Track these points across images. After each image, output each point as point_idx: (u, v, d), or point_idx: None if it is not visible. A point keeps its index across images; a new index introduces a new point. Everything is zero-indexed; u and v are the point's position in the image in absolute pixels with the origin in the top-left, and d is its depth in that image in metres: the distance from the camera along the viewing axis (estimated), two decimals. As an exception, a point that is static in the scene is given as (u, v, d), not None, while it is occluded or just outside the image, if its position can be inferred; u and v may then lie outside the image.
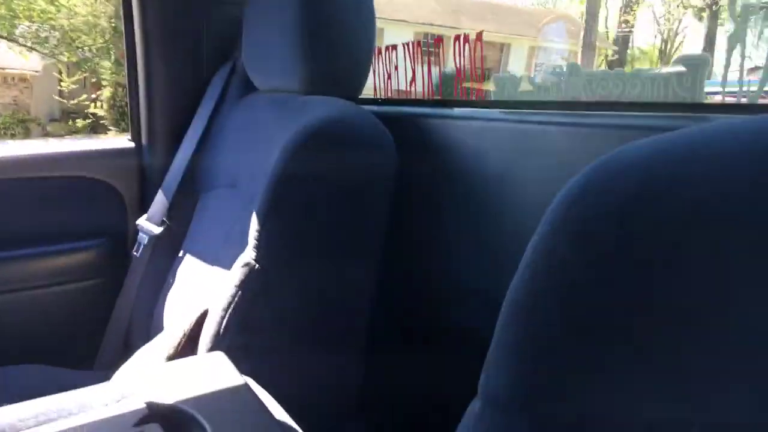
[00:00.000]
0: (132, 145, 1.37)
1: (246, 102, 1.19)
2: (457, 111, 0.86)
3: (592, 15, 9.48)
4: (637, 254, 0.38)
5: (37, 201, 1.29)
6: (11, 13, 9.33)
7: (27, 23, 9.76)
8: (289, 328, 0.85)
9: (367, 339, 0.90)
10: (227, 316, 0.83)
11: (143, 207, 1.31)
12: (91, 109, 10.33)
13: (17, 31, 9.86)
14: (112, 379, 0.89)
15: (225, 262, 1.02)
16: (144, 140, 1.35)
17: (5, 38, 9.80)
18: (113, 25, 10.20)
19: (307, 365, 0.85)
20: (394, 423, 1.02)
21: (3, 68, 12.08)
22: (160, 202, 1.25)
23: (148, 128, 1.34)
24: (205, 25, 1.30)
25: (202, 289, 1.05)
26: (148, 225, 1.24)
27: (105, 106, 10.23)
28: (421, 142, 0.91)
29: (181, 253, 1.20)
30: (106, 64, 10.38)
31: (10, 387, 1.08)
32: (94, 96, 10.56)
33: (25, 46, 10.11)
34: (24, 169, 1.29)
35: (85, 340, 1.28)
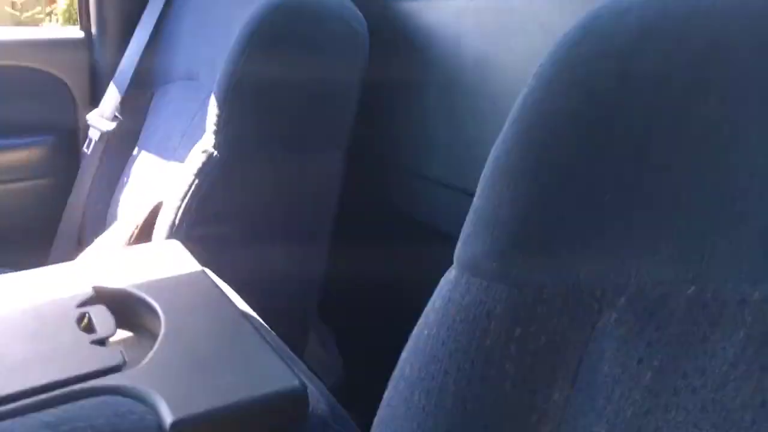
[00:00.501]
0: (82, 35, 1.26)
1: None
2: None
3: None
4: (645, 96, 0.34)
5: None
6: None
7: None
8: (250, 220, 0.80)
9: (332, 233, 0.86)
10: (183, 205, 0.77)
11: (94, 102, 1.22)
12: (46, 23, 9.77)
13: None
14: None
15: (180, 155, 0.96)
16: (94, 30, 1.25)
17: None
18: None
19: (267, 259, 0.81)
20: (356, 325, 0.99)
21: (-54, -27, 11.26)
22: (112, 96, 1.16)
23: (99, 17, 1.24)
24: None
25: (158, 183, 0.99)
26: (100, 121, 1.16)
27: (60, 19, 9.68)
28: (392, 27, 0.84)
29: (135, 151, 1.13)
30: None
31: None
32: (48, 9, 9.96)
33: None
34: None
35: (36, 242, 1.21)
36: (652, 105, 0.34)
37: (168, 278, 0.62)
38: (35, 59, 1.22)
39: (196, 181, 0.77)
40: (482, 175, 0.41)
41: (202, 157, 0.78)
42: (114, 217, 1.10)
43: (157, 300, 0.55)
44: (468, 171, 0.76)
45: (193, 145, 0.94)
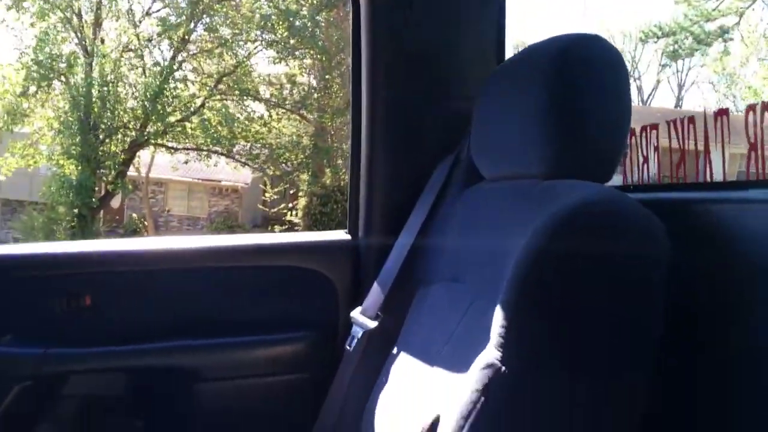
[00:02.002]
0: (349, 237, 1.36)
1: (471, 192, 1.12)
2: (753, 193, 0.70)
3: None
4: None
5: (255, 289, 1.31)
6: (231, 134, 10.75)
7: (243, 142, 11.17)
8: None
9: None
10: (467, 426, 0.70)
11: (357, 300, 1.27)
12: (288, 217, 11.33)
13: (235, 149, 11.30)
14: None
15: (448, 362, 0.91)
16: (361, 233, 1.34)
17: (225, 155, 11.27)
18: (313, 142, 11.31)
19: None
20: None
21: (219, 181, 13.85)
22: (375, 294, 1.19)
23: (366, 221, 1.33)
24: (430, 120, 1.29)
25: (423, 392, 0.94)
26: (362, 318, 1.19)
27: (300, 213, 11.19)
28: (701, 233, 0.75)
29: (395, 351, 1.12)
30: (304, 177, 11.43)
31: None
32: (291, 205, 11.60)
33: (239, 162, 11.54)
34: (243, 258, 1.33)
35: (292, 437, 1.22)
36: None
37: None
38: (305, 260, 1.33)
39: (482, 399, 0.71)
40: None
41: (487, 373, 0.72)
42: (371, 421, 1.07)
43: None
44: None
45: (460, 352, 0.89)
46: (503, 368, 0.71)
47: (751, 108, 0.78)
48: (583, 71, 0.85)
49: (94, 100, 9.97)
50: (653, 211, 0.73)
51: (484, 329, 0.76)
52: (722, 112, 0.82)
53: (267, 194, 12.39)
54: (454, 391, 0.77)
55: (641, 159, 0.98)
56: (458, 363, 0.83)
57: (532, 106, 0.89)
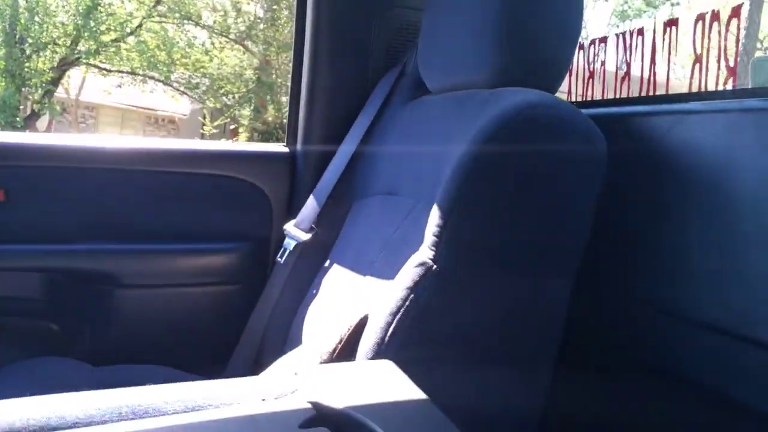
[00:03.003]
0: (286, 150, 1.32)
1: (413, 105, 1.09)
2: (693, 105, 0.70)
3: None
4: None
5: (184, 197, 1.26)
6: (170, 60, 10.24)
7: (182, 70, 10.67)
8: (468, 342, 0.70)
9: (554, 366, 0.74)
10: (395, 322, 0.70)
11: (291, 213, 1.24)
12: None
13: (173, 77, 10.80)
14: (261, 375, 0.79)
15: (382, 270, 0.90)
16: (299, 146, 1.30)
17: (163, 82, 10.76)
18: (257, 75, 10.94)
19: (484, 388, 0.70)
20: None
21: (155, 110, 13.28)
22: (310, 207, 1.17)
23: (305, 134, 1.29)
24: (374, 30, 1.24)
25: (354, 297, 0.93)
26: (296, 231, 1.16)
27: (238, 145, 10.88)
28: (638, 144, 0.75)
29: (327, 263, 1.10)
30: (245, 112, 11.10)
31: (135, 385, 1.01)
32: (231, 140, 11.27)
33: (178, 90, 11.05)
34: (175, 163, 1.26)
35: (215, 347, 1.20)
36: None
37: (390, 403, 0.53)
38: (240, 170, 1.28)
39: (411, 296, 0.70)
40: None
41: (419, 271, 0.71)
42: (299, 331, 1.06)
43: (382, 427, 0.46)
44: (742, 313, 0.62)
45: (394, 259, 0.88)
46: (434, 266, 0.71)
47: (700, 17, 0.78)
48: None
49: (21, 10, 9.24)
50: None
51: (421, 234, 0.75)
52: (671, 23, 0.82)
53: (206, 127, 11.97)
54: (385, 291, 0.76)
55: (587, 75, 0.97)
56: (391, 267, 0.82)
57: (479, 14, 0.86)
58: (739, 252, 0.61)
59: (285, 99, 10.45)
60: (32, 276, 1.16)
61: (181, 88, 11.06)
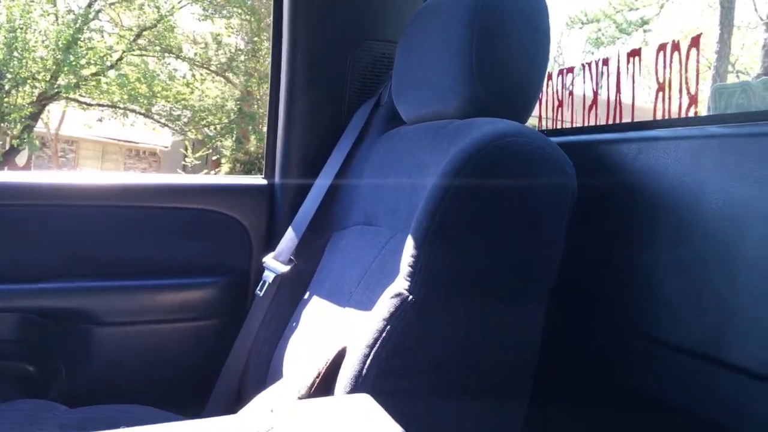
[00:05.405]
0: (264, 182, 1.32)
1: (388, 136, 1.10)
2: (658, 132, 0.72)
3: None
4: None
5: (162, 231, 1.25)
6: (151, 92, 10.26)
7: (163, 102, 10.69)
8: (443, 372, 0.70)
9: (531, 394, 0.74)
10: (372, 353, 0.70)
11: (269, 245, 1.23)
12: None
13: (154, 109, 10.80)
14: (239, 413, 0.78)
15: (360, 301, 0.90)
16: (277, 178, 1.30)
17: (144, 114, 10.75)
18: (238, 106, 10.98)
19: (460, 418, 0.69)
20: None
21: (136, 143, 13.25)
22: (288, 240, 1.17)
23: (283, 166, 1.29)
24: (350, 64, 1.26)
25: (332, 329, 0.93)
26: (275, 263, 1.16)
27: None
28: (606, 171, 0.77)
29: (306, 295, 1.10)
30: (228, 143, 11.11)
31: (122, 426, 0.99)
32: (213, 172, 11.26)
33: (159, 122, 11.05)
34: (152, 198, 1.26)
35: (196, 384, 1.18)
36: None
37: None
38: (219, 203, 1.28)
39: (388, 327, 0.70)
40: None
41: (395, 302, 0.71)
42: (279, 366, 1.05)
43: None
44: (713, 335, 0.62)
45: (372, 290, 0.88)
46: (410, 297, 0.71)
47: (661, 48, 0.81)
48: (505, 9, 0.85)
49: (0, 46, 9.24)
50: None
51: (397, 265, 0.76)
52: (634, 53, 0.84)
53: (188, 159, 11.96)
54: (363, 322, 0.76)
55: (556, 103, 0.99)
56: (369, 299, 0.82)
57: (451, 45, 0.88)
58: (705, 274, 0.63)
59: (266, 129, 10.50)
60: (7, 316, 1.15)
61: (162, 120, 11.07)
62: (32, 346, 1.18)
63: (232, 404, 1.12)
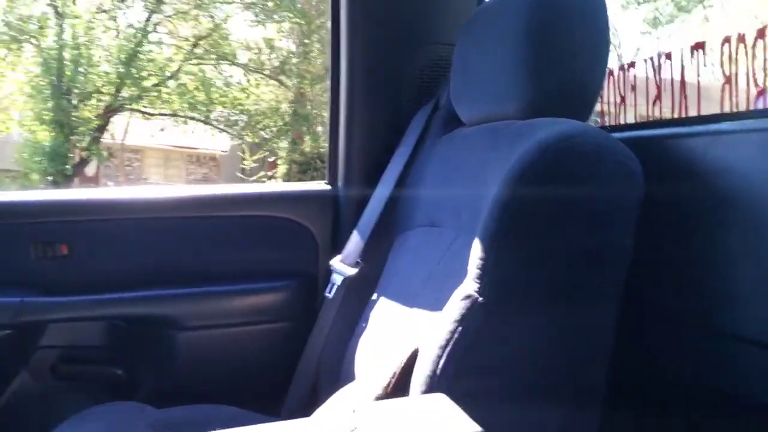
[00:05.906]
0: (328, 188, 1.36)
1: (449, 138, 1.12)
2: (726, 125, 0.71)
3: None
4: None
5: (233, 239, 1.31)
6: (209, 100, 10.56)
7: (221, 108, 10.98)
8: (516, 373, 0.72)
9: (605, 395, 0.74)
10: (445, 354, 0.72)
11: (336, 248, 1.27)
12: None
13: (212, 116, 11.11)
14: (317, 412, 0.82)
15: (428, 302, 0.93)
16: (340, 183, 1.34)
17: (203, 121, 11.08)
18: (292, 108, 11.16)
19: (535, 420, 0.71)
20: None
21: (196, 148, 13.65)
22: (354, 243, 1.20)
23: (345, 171, 1.33)
24: (407, 68, 1.28)
25: (402, 330, 0.95)
26: (342, 266, 1.20)
27: (279, 181, 11.08)
28: (673, 166, 0.76)
29: (374, 296, 1.13)
30: (283, 144, 11.31)
31: (210, 426, 1.03)
32: (270, 173, 11.49)
33: (217, 128, 11.36)
34: (223, 208, 1.33)
35: (272, 384, 1.23)
36: None
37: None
38: (287, 210, 1.33)
39: (460, 329, 0.72)
40: None
41: (465, 304, 0.73)
42: (351, 364, 1.08)
43: None
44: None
45: (439, 290, 0.90)
46: (480, 298, 0.73)
47: (726, 40, 0.79)
48: (562, 8, 0.85)
49: (66, 63, 9.70)
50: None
51: (464, 266, 0.78)
52: (698, 46, 0.83)
53: (245, 162, 12.24)
54: (433, 324, 0.78)
55: (618, 99, 0.98)
56: (437, 299, 0.84)
57: (510, 45, 0.89)
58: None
59: (321, 129, 10.65)
60: (96, 324, 1.23)
61: (221, 126, 11.36)
62: (120, 351, 1.25)
63: (308, 403, 1.16)
